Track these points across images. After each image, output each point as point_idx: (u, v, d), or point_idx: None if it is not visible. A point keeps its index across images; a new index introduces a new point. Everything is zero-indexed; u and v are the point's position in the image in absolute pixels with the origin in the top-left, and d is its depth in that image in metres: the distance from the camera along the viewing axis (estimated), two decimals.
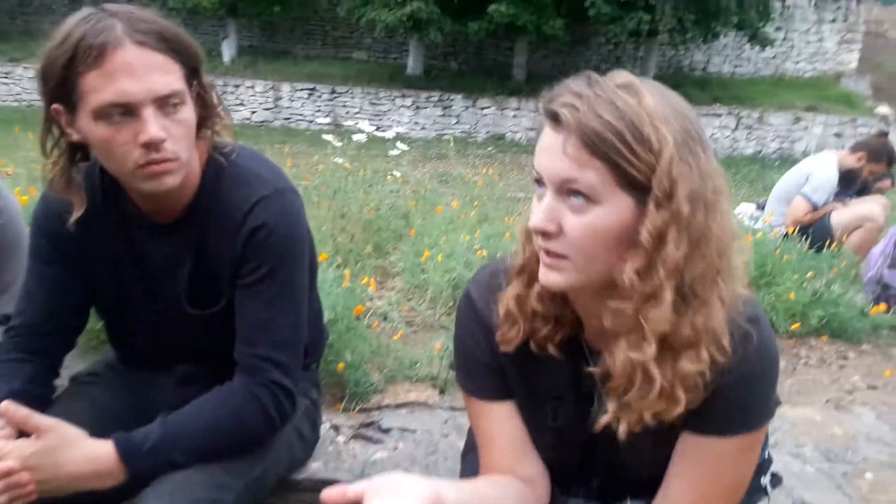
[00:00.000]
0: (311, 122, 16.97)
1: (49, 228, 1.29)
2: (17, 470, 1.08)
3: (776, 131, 17.14)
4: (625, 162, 0.81)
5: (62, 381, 1.40)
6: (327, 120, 15.96)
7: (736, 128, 17.06)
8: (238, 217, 1.24)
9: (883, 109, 17.23)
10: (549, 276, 0.90)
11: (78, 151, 1.19)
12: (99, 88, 1.06)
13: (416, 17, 15.86)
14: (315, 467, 1.64)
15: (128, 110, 1.08)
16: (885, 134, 4.67)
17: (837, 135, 16.78)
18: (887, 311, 3.26)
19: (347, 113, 16.95)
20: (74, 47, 1.05)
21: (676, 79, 17.20)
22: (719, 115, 16.80)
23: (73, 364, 1.48)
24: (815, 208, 4.33)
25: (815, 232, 4.22)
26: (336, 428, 1.83)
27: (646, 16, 15.61)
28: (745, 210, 4.97)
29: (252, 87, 17.47)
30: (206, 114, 1.23)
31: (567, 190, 0.85)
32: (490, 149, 13.79)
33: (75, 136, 1.14)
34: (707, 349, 0.87)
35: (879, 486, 1.81)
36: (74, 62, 1.06)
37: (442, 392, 2.14)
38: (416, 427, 1.88)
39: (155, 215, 1.27)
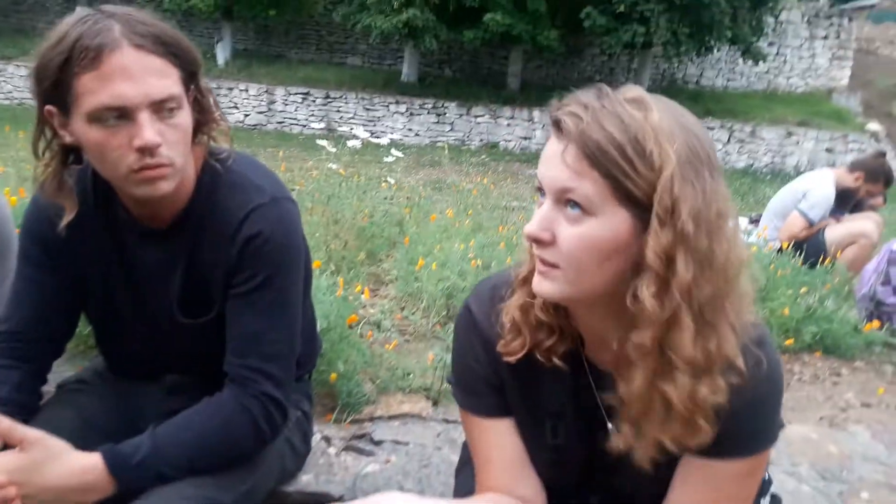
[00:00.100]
0: (305, 126, 16.99)
1: (39, 232, 1.26)
2: (4, 484, 1.05)
3: (768, 145, 17.30)
4: (624, 176, 0.79)
5: (48, 388, 1.36)
6: (321, 125, 15.98)
7: (728, 141, 17.21)
8: (233, 225, 1.21)
9: (873, 126, 17.41)
10: (541, 285, 0.88)
11: (70, 154, 1.17)
12: (94, 91, 1.04)
13: (411, 25, 15.88)
14: (306, 479, 1.60)
15: (123, 114, 1.05)
16: (882, 154, 4.69)
17: (829, 150, 16.97)
18: (881, 327, 3.26)
19: (341, 118, 16.98)
20: (70, 48, 1.03)
21: (670, 91, 17.27)
22: (712, 129, 16.91)
23: (60, 370, 1.44)
24: (810, 225, 4.35)
25: (809, 248, 4.23)
26: (327, 439, 1.80)
27: (641, 28, 15.71)
28: (738, 224, 4.97)
29: (246, 90, 17.45)
30: (203, 119, 1.21)
31: (565, 199, 0.83)
32: (483, 157, 13.81)
33: (68, 139, 1.12)
34: (722, 375, 0.85)
35: None
36: (70, 63, 1.03)
37: (435, 404, 2.11)
38: (409, 440, 1.85)
39: (147, 221, 1.24)
